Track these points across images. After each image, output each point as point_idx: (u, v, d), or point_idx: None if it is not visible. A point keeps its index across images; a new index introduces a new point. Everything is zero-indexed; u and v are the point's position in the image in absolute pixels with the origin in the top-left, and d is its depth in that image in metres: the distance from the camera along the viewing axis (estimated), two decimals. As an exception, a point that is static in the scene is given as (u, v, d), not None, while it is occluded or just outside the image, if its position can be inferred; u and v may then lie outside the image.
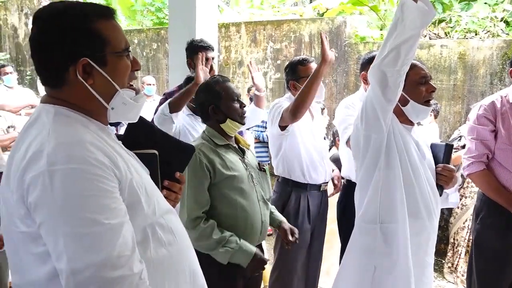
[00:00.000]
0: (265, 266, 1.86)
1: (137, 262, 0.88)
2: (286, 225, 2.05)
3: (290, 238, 1.98)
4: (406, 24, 1.52)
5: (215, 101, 1.87)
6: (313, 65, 2.46)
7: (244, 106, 1.90)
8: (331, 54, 2.24)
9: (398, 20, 1.54)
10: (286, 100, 2.49)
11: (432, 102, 1.80)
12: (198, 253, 1.77)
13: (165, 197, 1.15)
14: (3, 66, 4.96)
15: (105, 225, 0.84)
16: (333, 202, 2.72)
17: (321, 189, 2.51)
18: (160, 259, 1.00)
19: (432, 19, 1.58)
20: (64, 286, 0.83)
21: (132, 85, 1.04)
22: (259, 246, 1.94)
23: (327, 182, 2.61)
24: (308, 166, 2.46)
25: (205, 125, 1.96)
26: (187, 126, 2.55)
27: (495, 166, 2.20)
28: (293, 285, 2.50)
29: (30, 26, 7.15)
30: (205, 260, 1.78)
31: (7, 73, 4.85)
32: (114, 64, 0.98)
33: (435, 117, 4.16)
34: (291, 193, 2.21)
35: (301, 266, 2.54)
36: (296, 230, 2.04)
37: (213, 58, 3.05)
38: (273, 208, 2.09)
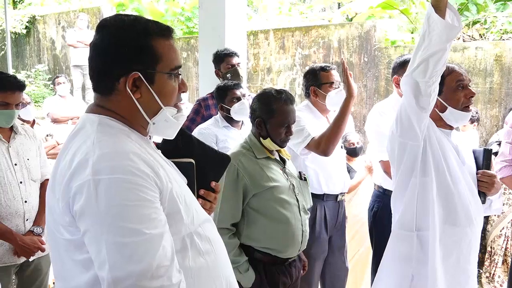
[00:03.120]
0: None
1: (175, 272, 0.90)
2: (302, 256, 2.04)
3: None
4: (433, 38, 1.50)
5: (265, 117, 1.85)
6: (335, 72, 2.43)
7: (291, 134, 1.86)
8: (355, 86, 2.20)
9: (426, 32, 1.53)
10: (305, 111, 2.44)
11: (473, 110, 1.75)
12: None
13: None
14: (57, 77, 5.26)
15: (146, 235, 0.86)
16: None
17: (338, 199, 2.46)
18: (198, 268, 1.01)
19: (458, 33, 1.55)
20: None
21: (176, 104, 1.07)
22: (299, 256, 1.94)
23: (344, 193, 2.56)
24: (324, 176, 2.42)
25: (241, 137, 1.96)
26: (224, 138, 2.58)
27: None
28: None
29: (66, 38, 7.47)
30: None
31: (60, 83, 5.15)
32: (162, 83, 1.01)
33: (476, 125, 4.02)
34: None
35: (318, 277, 2.49)
36: (306, 263, 2.05)
37: (238, 64, 3.09)
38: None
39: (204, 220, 1.08)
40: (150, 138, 1.10)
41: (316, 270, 2.45)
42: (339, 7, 8.09)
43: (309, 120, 2.40)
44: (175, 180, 1.01)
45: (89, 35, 7.05)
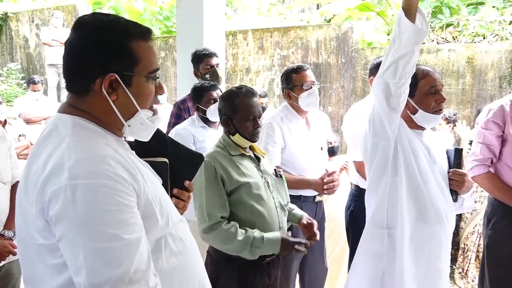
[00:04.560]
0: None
1: (152, 276, 0.90)
2: (305, 219, 1.99)
3: (316, 231, 1.91)
4: (403, 41, 1.55)
5: (229, 114, 1.87)
6: (308, 73, 2.43)
7: (258, 127, 1.87)
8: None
9: (396, 35, 1.57)
10: (281, 114, 2.45)
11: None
12: (218, 259, 1.82)
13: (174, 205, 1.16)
14: (35, 83, 5.16)
15: (124, 240, 0.86)
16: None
17: (316, 200, 2.48)
18: (171, 269, 1.01)
19: (425, 37, 1.60)
20: None
21: (152, 107, 1.05)
22: (277, 255, 1.94)
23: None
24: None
25: (218, 137, 1.97)
26: (202, 138, 2.56)
27: (504, 169, 2.18)
28: None
29: (41, 37, 7.29)
30: (224, 266, 1.81)
31: (36, 91, 5.13)
32: (139, 86, 1.00)
33: (452, 126, 4.12)
34: None
35: (295, 276, 2.51)
36: (315, 222, 1.97)
37: (217, 65, 3.08)
38: (292, 206, 2.07)
39: (177, 221, 1.08)
40: (124, 139, 1.09)
41: (293, 269, 2.46)
42: (318, 8, 8.17)
43: (285, 128, 2.41)
44: (151, 182, 1.00)
45: (65, 34, 6.90)
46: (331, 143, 3.51)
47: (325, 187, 2.35)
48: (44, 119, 4.82)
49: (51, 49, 6.95)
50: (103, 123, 0.99)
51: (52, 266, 0.89)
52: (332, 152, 3.52)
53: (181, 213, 1.21)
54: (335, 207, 3.05)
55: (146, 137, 1.07)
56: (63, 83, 6.92)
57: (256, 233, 1.76)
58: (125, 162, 0.93)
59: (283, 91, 2.49)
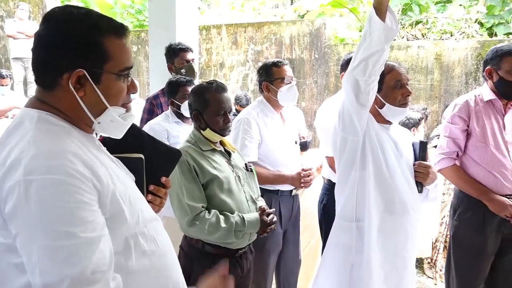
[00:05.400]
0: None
1: (111, 279, 0.87)
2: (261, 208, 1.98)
3: (266, 218, 1.90)
4: (373, 39, 1.57)
5: (200, 109, 1.87)
6: (287, 68, 2.47)
7: (229, 122, 1.88)
8: None
9: (367, 33, 1.60)
10: (257, 109, 2.46)
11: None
12: (192, 253, 1.82)
13: (150, 202, 1.14)
14: (3, 77, 4.97)
15: (81, 238, 0.83)
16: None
17: (292, 194, 2.51)
18: (142, 270, 0.98)
19: (395, 35, 1.64)
20: None
21: (125, 104, 1.02)
22: (250, 248, 1.97)
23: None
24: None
25: (191, 132, 1.96)
26: (176, 133, 2.54)
27: (469, 162, 2.27)
28: None
29: (5, 29, 7.02)
30: (197, 259, 1.81)
31: (4, 85, 4.95)
32: (109, 83, 0.97)
33: (424, 121, 4.21)
34: (262, 197, 2.23)
35: (273, 270, 2.54)
36: (271, 212, 1.98)
37: (193, 60, 3.05)
38: (261, 200, 2.08)
39: (150, 219, 1.05)
40: (96, 135, 1.06)
41: (271, 264, 2.49)
42: (291, 4, 8.21)
43: (261, 122, 2.42)
44: (119, 179, 0.98)
45: (31, 26, 6.67)
46: (303, 138, 3.56)
47: (302, 180, 2.40)
48: (13, 115, 4.67)
49: (17, 42, 6.70)
50: (70, 118, 0.97)
51: (15, 265, 0.86)
52: (304, 146, 3.57)
53: (158, 210, 1.20)
54: (311, 201, 3.09)
55: (118, 134, 1.05)
56: (30, 77, 6.70)
57: (237, 217, 1.80)
58: (88, 159, 0.90)
59: (260, 84, 2.49)
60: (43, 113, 0.94)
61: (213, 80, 1.97)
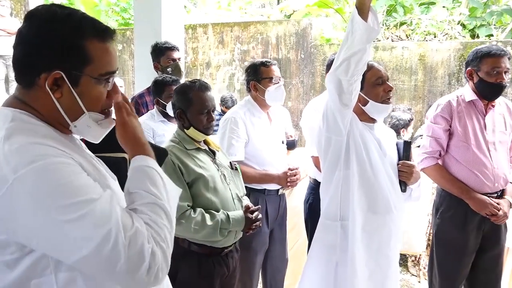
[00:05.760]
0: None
1: (137, 217, 0.88)
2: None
3: (250, 215, 1.91)
4: (355, 39, 1.60)
5: (183, 107, 1.87)
6: (275, 68, 2.48)
7: (212, 120, 1.89)
8: None
9: (349, 33, 1.62)
10: (244, 109, 2.47)
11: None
12: (177, 252, 1.81)
13: None
14: None
15: (97, 199, 0.84)
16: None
17: (279, 193, 2.53)
18: None
19: (377, 36, 1.66)
20: (104, 265, 0.81)
21: (105, 110, 1.00)
22: (235, 247, 1.97)
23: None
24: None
25: (175, 131, 1.96)
26: (162, 132, 2.53)
27: (451, 161, 2.31)
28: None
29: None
30: (183, 259, 1.81)
31: None
32: (87, 88, 0.94)
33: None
34: (249, 196, 2.23)
35: (259, 269, 2.55)
36: (255, 209, 1.99)
37: (179, 59, 3.04)
38: (245, 198, 2.09)
39: None
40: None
41: (257, 263, 2.49)
42: (278, 3, 8.23)
43: (248, 122, 2.42)
44: (102, 176, 0.98)
45: (13, 23, 6.53)
46: (291, 136, 3.58)
47: (288, 180, 2.41)
48: None
49: (-2, 39, 6.56)
50: (46, 118, 0.95)
51: (3, 263, 0.86)
52: (291, 145, 3.58)
53: None
54: (299, 200, 3.11)
55: (95, 139, 1.03)
56: (11, 75, 6.56)
57: (222, 215, 1.80)
58: (66, 151, 0.89)
59: (248, 83, 2.50)
60: (18, 112, 0.92)
61: (196, 79, 1.98)
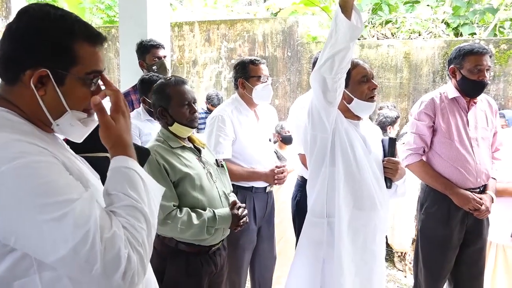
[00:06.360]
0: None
1: (116, 221, 0.87)
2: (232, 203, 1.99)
3: (237, 211, 1.91)
4: (339, 37, 1.61)
5: (164, 104, 1.86)
6: (264, 67, 2.49)
7: (195, 112, 1.89)
8: None
9: (333, 31, 1.63)
10: (231, 107, 2.47)
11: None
12: (165, 252, 1.81)
13: None
14: None
15: (77, 200, 0.83)
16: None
17: (267, 191, 2.54)
18: None
19: (360, 34, 1.67)
20: (80, 267, 0.80)
21: (87, 109, 1.00)
22: (223, 244, 1.97)
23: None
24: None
25: (159, 130, 1.95)
26: (148, 131, 2.51)
27: (434, 157, 2.35)
28: (241, 286, 2.52)
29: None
30: (171, 258, 1.80)
31: None
32: (72, 86, 0.95)
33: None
34: (236, 194, 2.24)
35: (247, 267, 2.56)
36: (242, 205, 2.00)
37: (165, 57, 3.02)
38: (232, 195, 2.09)
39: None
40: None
41: (245, 260, 2.50)
42: (264, 1, 8.22)
43: (235, 120, 2.42)
44: (84, 177, 0.96)
45: (-5, 21, 6.41)
46: (288, 132, 3.59)
47: (275, 177, 2.42)
48: None
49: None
50: (29, 116, 0.95)
51: None
52: (288, 140, 3.60)
53: None
54: (288, 195, 3.12)
55: (77, 138, 1.03)
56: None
57: (208, 213, 1.80)
58: (45, 149, 0.88)
59: (236, 81, 2.49)
60: (0, 109, 0.92)
61: (171, 75, 1.99)
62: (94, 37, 0.96)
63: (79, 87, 0.96)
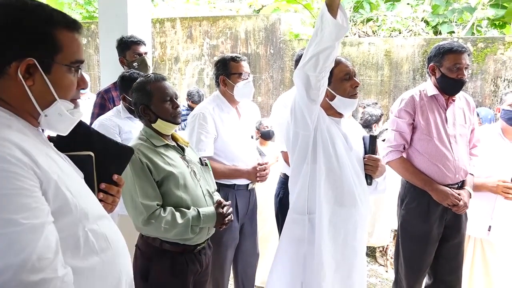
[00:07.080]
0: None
1: (60, 266, 0.85)
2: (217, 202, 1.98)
3: (221, 210, 1.89)
4: (324, 35, 1.61)
5: (145, 102, 1.84)
6: (245, 64, 2.48)
7: (177, 107, 1.87)
8: None
9: (318, 29, 1.63)
10: (213, 104, 2.45)
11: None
12: (149, 252, 1.79)
13: (102, 200, 1.13)
14: None
15: (23, 225, 0.80)
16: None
17: (249, 188, 2.54)
18: (92, 267, 0.97)
19: (346, 33, 1.68)
20: None
21: (73, 99, 1.02)
22: (208, 243, 1.96)
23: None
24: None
25: (141, 129, 1.92)
26: (128, 129, 2.47)
27: (414, 154, 2.39)
28: (224, 283, 2.52)
29: None
30: (156, 258, 1.79)
31: None
32: (59, 75, 0.96)
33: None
34: (219, 191, 2.24)
35: (230, 264, 2.56)
36: (227, 204, 1.98)
37: (146, 53, 2.98)
38: (216, 194, 2.08)
39: (99, 216, 1.03)
40: (43, 131, 1.02)
41: (228, 258, 2.50)
42: (246, -2, 8.20)
43: (217, 117, 2.41)
44: (64, 172, 0.96)
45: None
46: (266, 127, 3.59)
47: (258, 174, 2.42)
48: None
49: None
50: (15, 109, 0.94)
51: None
52: (267, 135, 3.60)
53: (112, 209, 1.18)
54: (270, 191, 3.12)
55: (64, 130, 1.03)
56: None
57: (193, 212, 1.79)
58: (27, 147, 0.87)
59: (217, 78, 2.48)
60: None
61: (151, 73, 1.99)
62: (72, 24, 0.99)
63: (65, 75, 0.98)
